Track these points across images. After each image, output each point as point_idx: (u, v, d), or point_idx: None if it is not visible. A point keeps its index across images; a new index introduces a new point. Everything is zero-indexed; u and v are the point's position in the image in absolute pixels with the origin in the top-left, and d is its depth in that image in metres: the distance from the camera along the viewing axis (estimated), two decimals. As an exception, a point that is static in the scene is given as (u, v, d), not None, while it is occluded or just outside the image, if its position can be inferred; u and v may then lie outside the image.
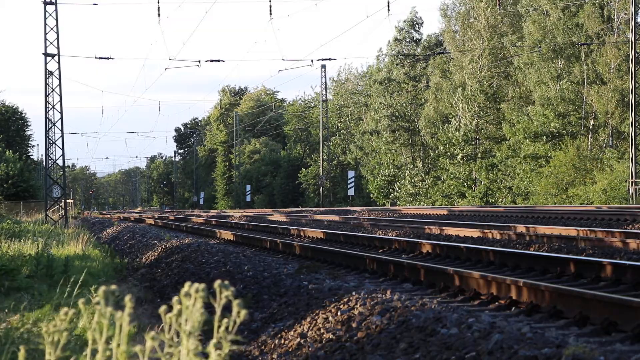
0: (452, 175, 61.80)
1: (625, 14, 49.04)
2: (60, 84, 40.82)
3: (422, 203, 65.43)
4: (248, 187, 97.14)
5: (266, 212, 52.93)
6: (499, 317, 7.21)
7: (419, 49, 73.16)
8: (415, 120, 70.81)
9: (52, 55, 40.51)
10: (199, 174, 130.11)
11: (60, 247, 19.27)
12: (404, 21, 74.12)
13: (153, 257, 17.97)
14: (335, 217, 32.56)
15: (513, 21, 59.10)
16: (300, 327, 7.82)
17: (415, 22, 74.38)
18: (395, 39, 74.29)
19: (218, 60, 49.87)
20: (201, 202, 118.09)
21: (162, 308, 2.07)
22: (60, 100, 41.24)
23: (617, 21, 50.28)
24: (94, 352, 2.05)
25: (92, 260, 16.48)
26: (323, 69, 73.62)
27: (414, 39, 74.81)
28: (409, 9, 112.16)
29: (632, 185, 40.76)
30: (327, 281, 9.77)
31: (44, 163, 47.66)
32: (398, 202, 69.27)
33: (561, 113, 51.92)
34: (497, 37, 59.30)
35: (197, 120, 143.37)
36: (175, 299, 1.99)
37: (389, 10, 46.06)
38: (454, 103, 61.61)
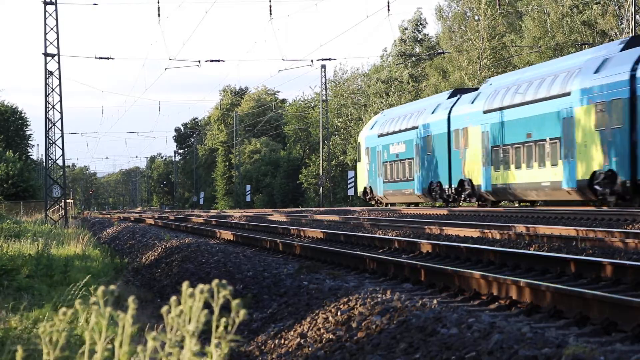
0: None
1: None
2: (60, 84, 40.81)
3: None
4: (248, 187, 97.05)
5: (266, 212, 52.91)
6: (499, 317, 7.20)
7: (418, 49, 73.13)
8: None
9: (52, 55, 40.50)
10: (199, 174, 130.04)
11: (60, 247, 19.26)
12: (408, 21, 74.18)
13: (153, 257, 17.97)
14: (335, 217, 32.54)
15: (511, 20, 59.02)
16: (300, 327, 7.82)
17: (419, 23, 74.40)
18: (400, 39, 74.27)
19: (218, 60, 50.01)
20: (201, 202, 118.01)
21: (164, 309, 2.07)
22: (60, 100, 41.23)
23: (625, 19, 50.15)
24: (91, 352, 2.04)
25: (92, 260, 16.49)
26: (323, 69, 73.63)
27: (418, 39, 74.80)
28: (409, 9, 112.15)
29: (632, 185, 40.67)
30: (327, 281, 9.76)
31: (44, 163, 47.64)
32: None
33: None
34: (498, 37, 59.23)
35: (197, 120, 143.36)
36: (173, 299, 1.99)
37: (389, 10, 45.97)
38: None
